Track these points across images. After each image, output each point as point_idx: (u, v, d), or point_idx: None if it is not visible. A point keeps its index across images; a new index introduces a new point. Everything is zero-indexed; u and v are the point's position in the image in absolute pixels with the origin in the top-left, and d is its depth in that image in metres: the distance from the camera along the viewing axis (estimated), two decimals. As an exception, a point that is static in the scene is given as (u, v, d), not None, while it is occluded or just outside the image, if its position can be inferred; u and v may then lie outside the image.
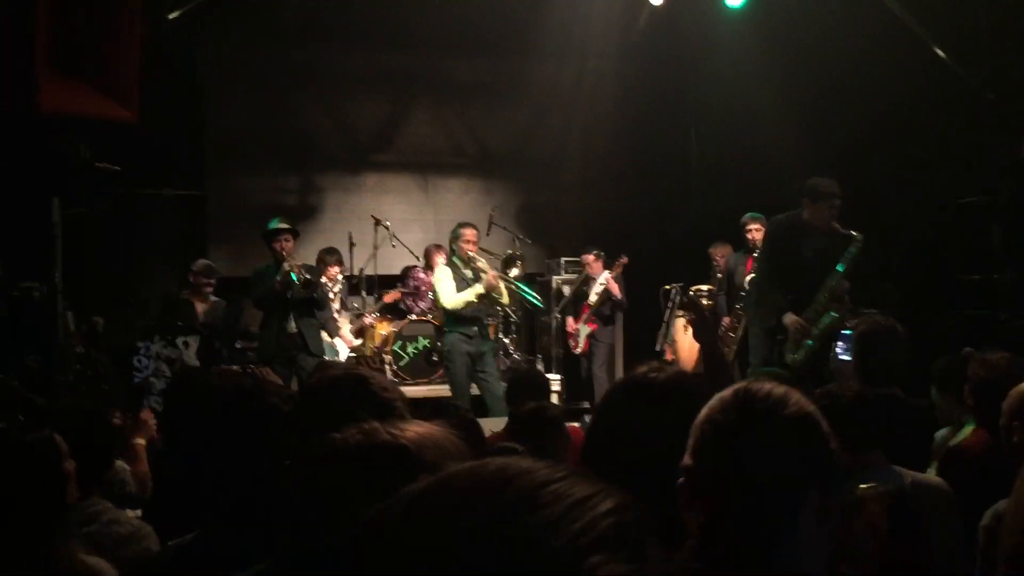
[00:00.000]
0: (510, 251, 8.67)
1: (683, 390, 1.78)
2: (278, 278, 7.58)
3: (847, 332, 5.94)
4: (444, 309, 7.84)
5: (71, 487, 2.18)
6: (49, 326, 5.65)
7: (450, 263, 7.87)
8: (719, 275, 9.00)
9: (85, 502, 2.51)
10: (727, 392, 1.38)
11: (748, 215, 8.24)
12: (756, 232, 8.00)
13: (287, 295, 7.59)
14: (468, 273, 7.71)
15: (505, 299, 8.08)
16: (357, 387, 1.84)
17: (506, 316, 9.39)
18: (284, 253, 7.62)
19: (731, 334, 8.04)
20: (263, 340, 7.87)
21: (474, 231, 7.87)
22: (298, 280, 7.54)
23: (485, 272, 7.65)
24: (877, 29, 8.23)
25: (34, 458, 2.07)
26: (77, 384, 6.40)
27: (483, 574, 0.60)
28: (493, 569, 0.60)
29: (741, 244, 8.49)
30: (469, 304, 7.61)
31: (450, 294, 7.64)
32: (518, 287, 8.28)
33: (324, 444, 1.18)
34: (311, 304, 7.78)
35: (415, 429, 1.18)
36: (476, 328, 7.73)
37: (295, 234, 7.85)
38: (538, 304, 8.76)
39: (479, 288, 7.59)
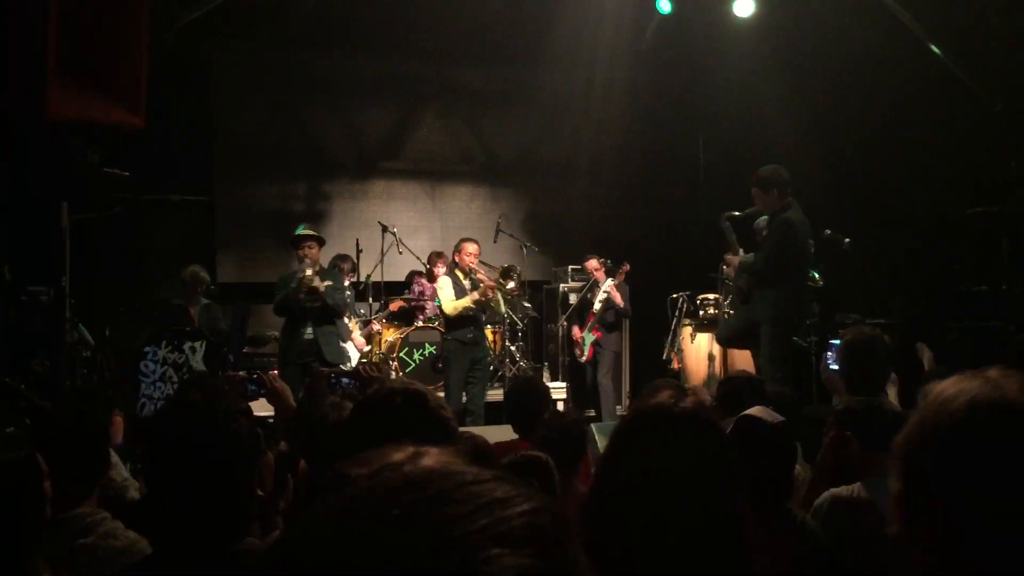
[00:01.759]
0: (507, 264, 8.84)
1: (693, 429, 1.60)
2: (293, 285, 7.63)
3: (835, 342, 5.96)
4: (444, 315, 8.24)
5: (48, 509, 2.13)
6: (56, 331, 5.66)
7: (450, 272, 8.27)
8: (727, 282, 8.93)
9: (84, 511, 2.47)
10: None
11: (764, 218, 7.45)
12: None
13: (302, 302, 7.64)
14: (467, 284, 8.14)
15: (502, 307, 8.60)
16: (413, 402, 1.82)
17: (512, 324, 9.41)
18: (307, 260, 7.65)
19: None
20: (281, 345, 7.96)
21: (476, 246, 8.26)
22: (298, 287, 7.57)
23: (482, 282, 8.12)
24: (886, 39, 8.22)
25: (13, 480, 1.97)
26: (83, 389, 6.42)
27: (384, 566, 0.62)
28: (396, 561, 0.62)
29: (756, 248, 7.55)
30: (467, 309, 8.05)
31: (449, 300, 8.10)
32: (513, 299, 8.84)
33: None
34: (330, 312, 7.80)
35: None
36: (472, 335, 8.13)
37: (320, 241, 7.88)
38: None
39: (475, 295, 8.03)
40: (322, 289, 7.64)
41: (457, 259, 8.24)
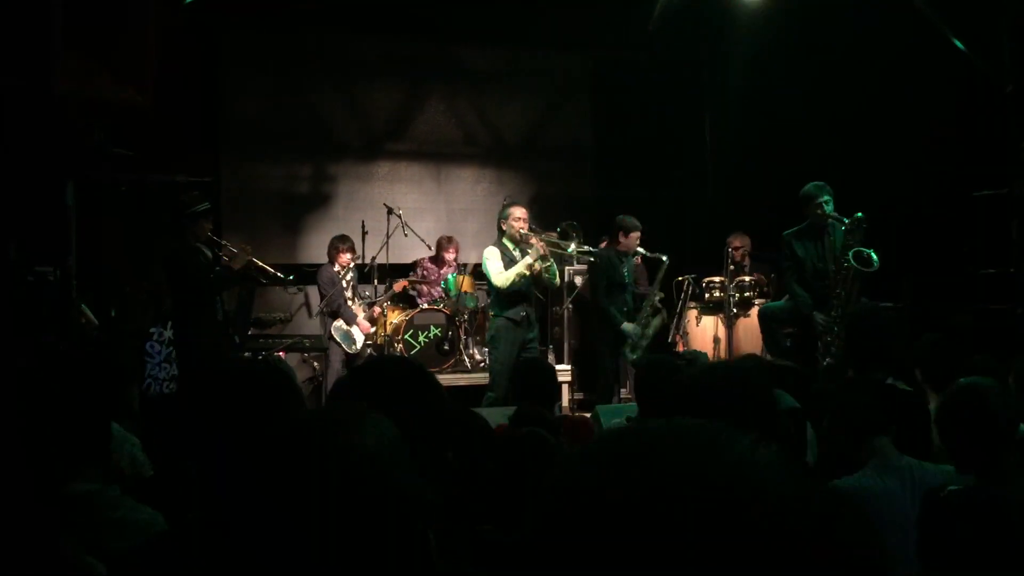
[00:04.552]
0: (566, 223, 8.02)
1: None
2: (234, 265, 7.16)
3: None
4: (495, 290, 7.52)
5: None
6: (63, 310, 5.66)
7: (498, 243, 7.63)
8: (731, 265, 8.91)
9: (97, 486, 2.42)
10: None
11: (813, 186, 6.98)
12: (827, 204, 6.88)
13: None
14: (516, 254, 7.53)
15: (557, 279, 7.86)
16: (405, 370, 1.80)
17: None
18: (209, 235, 7.20)
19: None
20: (186, 333, 7.07)
21: (523, 210, 7.68)
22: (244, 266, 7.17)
23: (533, 245, 7.41)
24: (895, 20, 8.17)
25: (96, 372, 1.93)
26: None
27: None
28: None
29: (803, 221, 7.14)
30: (521, 277, 7.39)
31: (498, 272, 7.39)
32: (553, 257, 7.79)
33: None
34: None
35: None
36: (524, 313, 7.50)
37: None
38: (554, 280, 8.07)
39: (528, 259, 7.36)
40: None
41: (504, 227, 7.59)
